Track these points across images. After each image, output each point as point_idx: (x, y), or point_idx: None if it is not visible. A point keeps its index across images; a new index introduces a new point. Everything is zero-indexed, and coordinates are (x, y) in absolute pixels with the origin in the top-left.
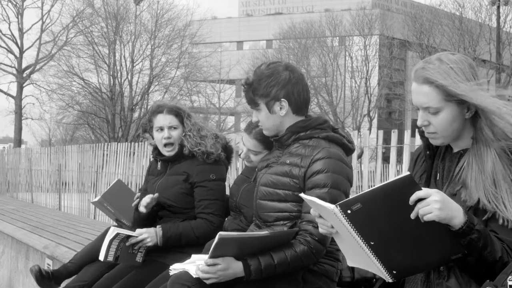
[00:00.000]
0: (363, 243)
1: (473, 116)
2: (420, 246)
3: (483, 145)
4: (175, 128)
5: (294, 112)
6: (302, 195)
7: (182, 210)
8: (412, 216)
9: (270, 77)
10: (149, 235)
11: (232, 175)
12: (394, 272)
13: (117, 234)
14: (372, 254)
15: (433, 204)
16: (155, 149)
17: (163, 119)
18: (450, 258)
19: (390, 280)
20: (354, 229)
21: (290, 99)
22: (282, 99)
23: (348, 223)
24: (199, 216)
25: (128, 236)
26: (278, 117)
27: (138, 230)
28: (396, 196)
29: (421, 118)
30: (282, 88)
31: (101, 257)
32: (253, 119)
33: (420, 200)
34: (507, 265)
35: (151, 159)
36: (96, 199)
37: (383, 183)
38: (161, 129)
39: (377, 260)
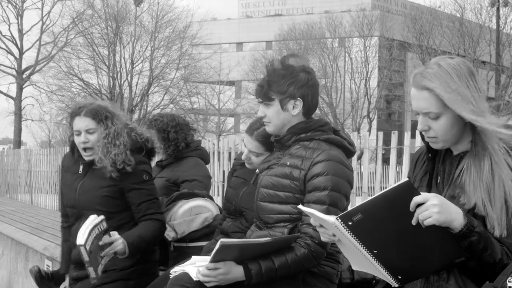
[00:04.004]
0: (367, 252)
1: None
2: (423, 251)
3: (482, 149)
4: (92, 132)
5: (304, 113)
6: (300, 207)
7: (109, 215)
8: (413, 222)
9: (289, 74)
10: (121, 238)
11: (226, 178)
12: (400, 277)
13: (102, 221)
14: (376, 261)
15: (432, 208)
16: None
17: (79, 122)
18: (454, 261)
19: (396, 285)
20: (357, 239)
21: (305, 100)
22: (298, 98)
23: (350, 234)
24: (143, 219)
25: (106, 231)
26: (288, 115)
27: (113, 232)
28: (396, 203)
29: (421, 123)
30: (300, 88)
31: (82, 241)
32: (259, 113)
33: (419, 205)
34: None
35: (67, 153)
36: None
37: (382, 191)
38: (79, 133)
39: (382, 267)
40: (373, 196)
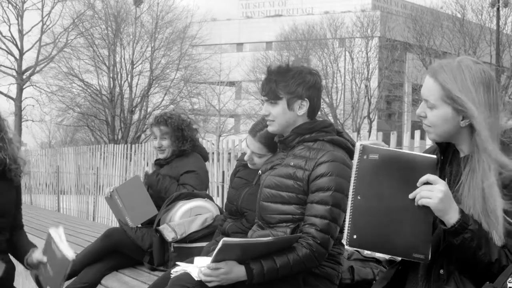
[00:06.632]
0: (351, 193)
1: (471, 125)
2: (395, 229)
3: (480, 156)
4: None
5: (308, 115)
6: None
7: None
8: (411, 195)
9: (299, 75)
10: None
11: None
12: (355, 237)
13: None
14: (350, 208)
15: (436, 193)
16: None
17: None
18: (412, 255)
19: (346, 244)
20: (355, 175)
21: (311, 102)
22: (305, 99)
23: (356, 167)
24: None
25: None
26: (294, 115)
27: None
28: (411, 169)
29: (421, 107)
30: (308, 89)
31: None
32: (262, 111)
33: (426, 184)
34: (505, 268)
35: None
36: (110, 190)
37: (407, 152)
38: None
39: (349, 217)
40: (397, 150)
